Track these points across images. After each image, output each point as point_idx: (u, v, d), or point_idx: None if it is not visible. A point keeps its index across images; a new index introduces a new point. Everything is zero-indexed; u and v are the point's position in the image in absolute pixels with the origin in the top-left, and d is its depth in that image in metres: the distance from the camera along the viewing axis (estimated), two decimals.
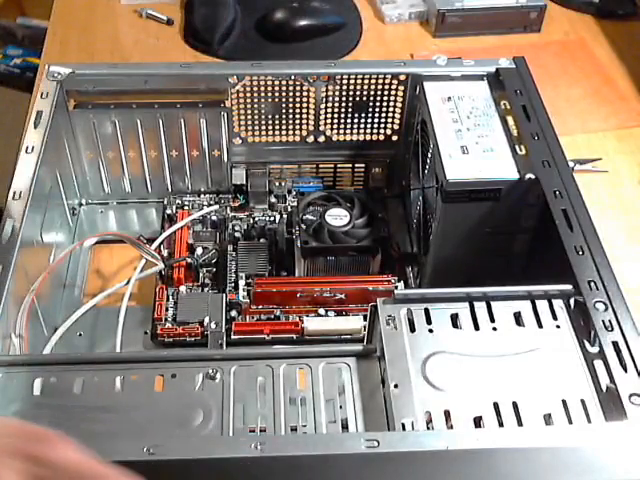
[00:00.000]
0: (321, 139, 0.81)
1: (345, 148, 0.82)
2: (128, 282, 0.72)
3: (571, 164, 0.66)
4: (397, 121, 0.80)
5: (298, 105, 0.78)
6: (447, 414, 0.50)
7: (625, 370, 0.51)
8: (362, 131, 0.81)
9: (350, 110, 0.79)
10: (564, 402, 0.51)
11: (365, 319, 0.63)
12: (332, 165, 0.83)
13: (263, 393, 0.54)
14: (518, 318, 0.56)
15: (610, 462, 0.46)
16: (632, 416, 0.48)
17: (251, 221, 0.81)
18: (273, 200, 0.82)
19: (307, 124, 0.80)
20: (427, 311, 0.56)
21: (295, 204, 0.80)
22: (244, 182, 0.82)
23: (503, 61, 0.76)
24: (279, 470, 0.46)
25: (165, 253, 0.76)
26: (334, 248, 0.73)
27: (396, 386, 0.51)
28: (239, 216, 0.81)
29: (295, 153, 0.82)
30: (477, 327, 0.55)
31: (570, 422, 0.50)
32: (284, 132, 0.80)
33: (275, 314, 0.71)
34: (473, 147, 0.68)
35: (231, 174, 0.82)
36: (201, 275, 0.75)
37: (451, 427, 0.49)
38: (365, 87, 0.77)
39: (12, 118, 0.96)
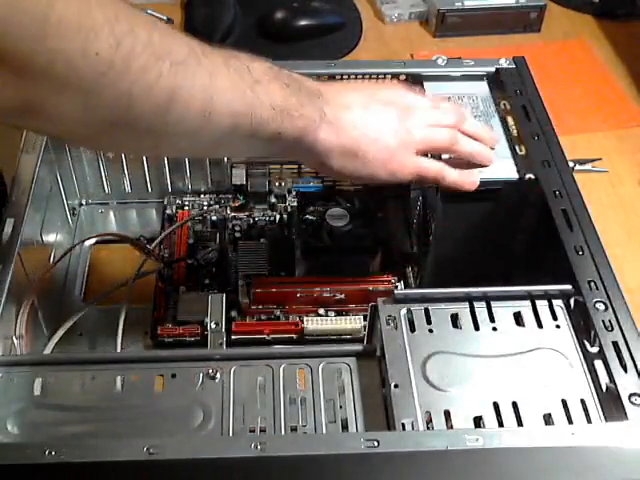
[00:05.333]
0: None
1: None
2: (128, 282, 0.72)
3: (571, 164, 0.66)
4: None
5: None
6: (447, 414, 0.50)
7: (625, 370, 0.51)
8: None
9: None
10: (564, 402, 0.51)
11: (365, 319, 0.63)
12: None
13: (263, 393, 0.54)
14: (518, 318, 0.56)
15: (610, 462, 0.46)
16: (632, 416, 0.48)
17: (251, 221, 0.81)
18: (273, 200, 0.82)
19: None
20: (427, 311, 0.56)
21: (295, 204, 0.80)
22: (244, 182, 0.82)
23: (503, 61, 0.75)
24: (279, 470, 0.46)
25: (165, 253, 0.76)
26: (334, 248, 0.73)
27: (396, 386, 0.51)
28: (239, 216, 0.81)
29: None
30: (477, 327, 0.55)
31: (570, 422, 0.50)
32: None
33: (275, 314, 0.71)
34: None
35: (231, 174, 0.82)
36: (201, 275, 0.75)
37: (451, 427, 0.49)
38: None
39: None
